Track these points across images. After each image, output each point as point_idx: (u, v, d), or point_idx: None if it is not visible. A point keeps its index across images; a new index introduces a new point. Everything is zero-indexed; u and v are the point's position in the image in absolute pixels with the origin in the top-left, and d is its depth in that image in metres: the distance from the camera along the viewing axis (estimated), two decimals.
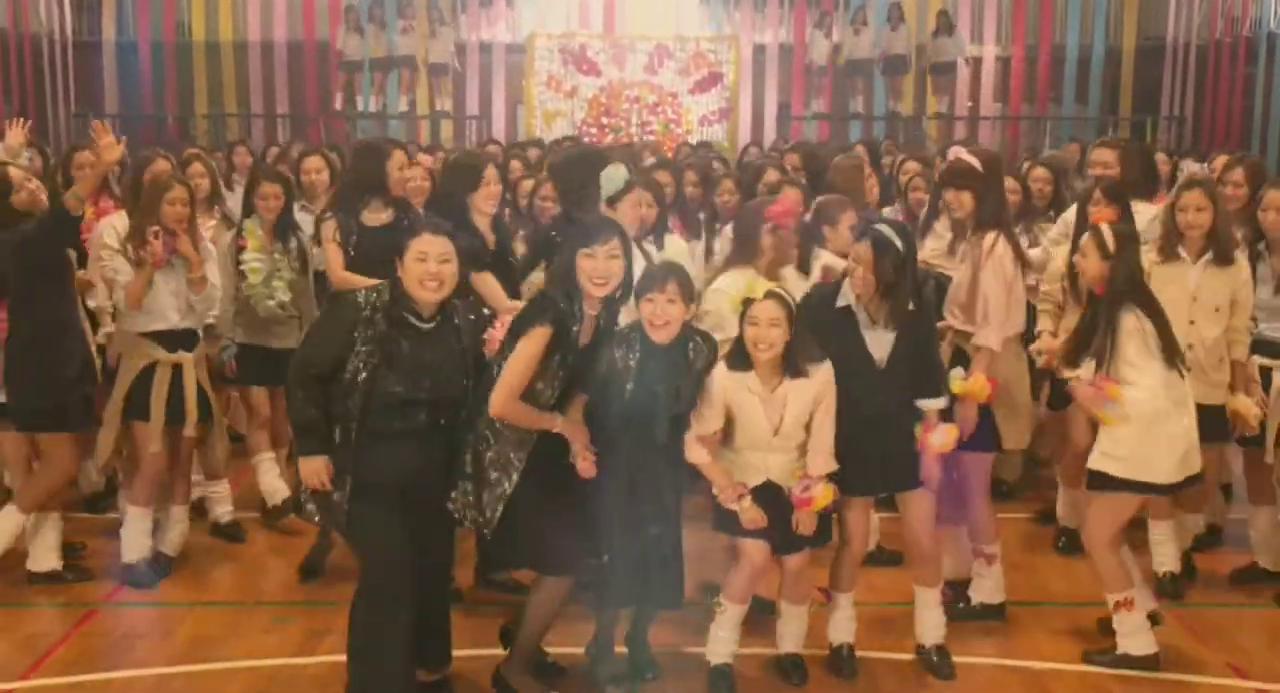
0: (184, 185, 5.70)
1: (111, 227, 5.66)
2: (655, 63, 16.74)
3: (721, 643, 4.80)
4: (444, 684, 4.67)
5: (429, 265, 4.49)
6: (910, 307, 4.75)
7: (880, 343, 4.78)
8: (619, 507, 4.62)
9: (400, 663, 4.36)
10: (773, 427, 4.62)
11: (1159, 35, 17.10)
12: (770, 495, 4.68)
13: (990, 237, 5.07)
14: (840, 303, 4.82)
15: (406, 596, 4.40)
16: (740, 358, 4.65)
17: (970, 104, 17.18)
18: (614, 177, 5.45)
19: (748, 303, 4.62)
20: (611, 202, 5.43)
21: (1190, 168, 6.89)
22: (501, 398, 4.44)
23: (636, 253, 5.01)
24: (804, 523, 4.62)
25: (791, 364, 4.63)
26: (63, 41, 16.82)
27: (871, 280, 4.66)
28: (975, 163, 5.26)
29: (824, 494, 4.58)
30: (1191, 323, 5.35)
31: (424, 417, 4.53)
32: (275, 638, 5.09)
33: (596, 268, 4.51)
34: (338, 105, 17.08)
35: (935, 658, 4.92)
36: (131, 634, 5.21)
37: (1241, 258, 5.47)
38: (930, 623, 4.97)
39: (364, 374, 4.48)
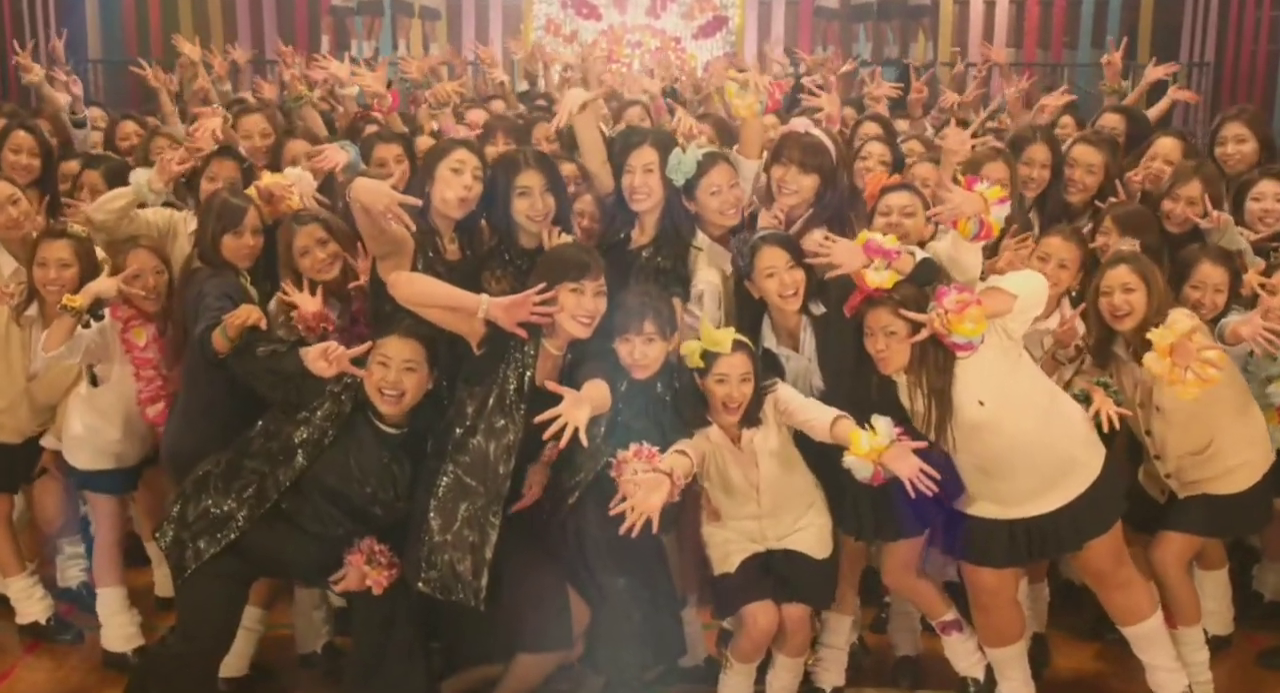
0: (309, 221, 4.93)
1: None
2: (658, 6, 16.14)
3: (733, 688, 4.60)
4: None
5: (389, 373, 4.14)
6: (815, 312, 4.49)
7: (807, 370, 4.51)
8: (602, 569, 4.28)
9: None
10: (753, 485, 4.26)
11: None
12: (770, 560, 4.44)
13: None
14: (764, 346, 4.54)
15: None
16: (696, 414, 4.26)
17: (984, 51, 16.61)
18: (682, 162, 4.76)
19: (709, 356, 4.22)
20: (689, 191, 4.79)
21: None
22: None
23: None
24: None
25: (752, 414, 4.27)
26: None
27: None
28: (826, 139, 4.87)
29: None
30: None
31: (343, 529, 4.22)
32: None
33: (583, 304, 4.11)
34: (324, 49, 16.48)
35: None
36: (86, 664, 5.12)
37: None
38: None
39: (306, 450, 4.14)
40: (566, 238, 4.66)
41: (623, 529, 3.82)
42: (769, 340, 4.58)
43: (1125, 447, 4.96)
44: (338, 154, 5.55)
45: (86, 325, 4.83)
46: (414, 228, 4.38)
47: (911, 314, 4.20)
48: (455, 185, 4.56)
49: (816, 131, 4.93)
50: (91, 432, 5.13)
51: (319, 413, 4.23)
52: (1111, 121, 6.72)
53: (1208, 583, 5.12)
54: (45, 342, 4.80)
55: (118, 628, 5.22)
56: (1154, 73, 7.84)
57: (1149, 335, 4.38)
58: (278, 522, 4.24)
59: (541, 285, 4.12)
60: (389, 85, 9.04)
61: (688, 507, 4.49)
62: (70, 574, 5.83)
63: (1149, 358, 4.35)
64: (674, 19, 16.15)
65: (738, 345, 4.31)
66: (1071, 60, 16.56)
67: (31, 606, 5.43)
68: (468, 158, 4.61)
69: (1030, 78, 10.08)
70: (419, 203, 4.50)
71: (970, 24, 16.53)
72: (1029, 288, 4.29)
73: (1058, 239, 4.93)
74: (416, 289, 4.18)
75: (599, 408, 4.02)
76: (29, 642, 5.41)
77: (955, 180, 4.38)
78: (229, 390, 4.67)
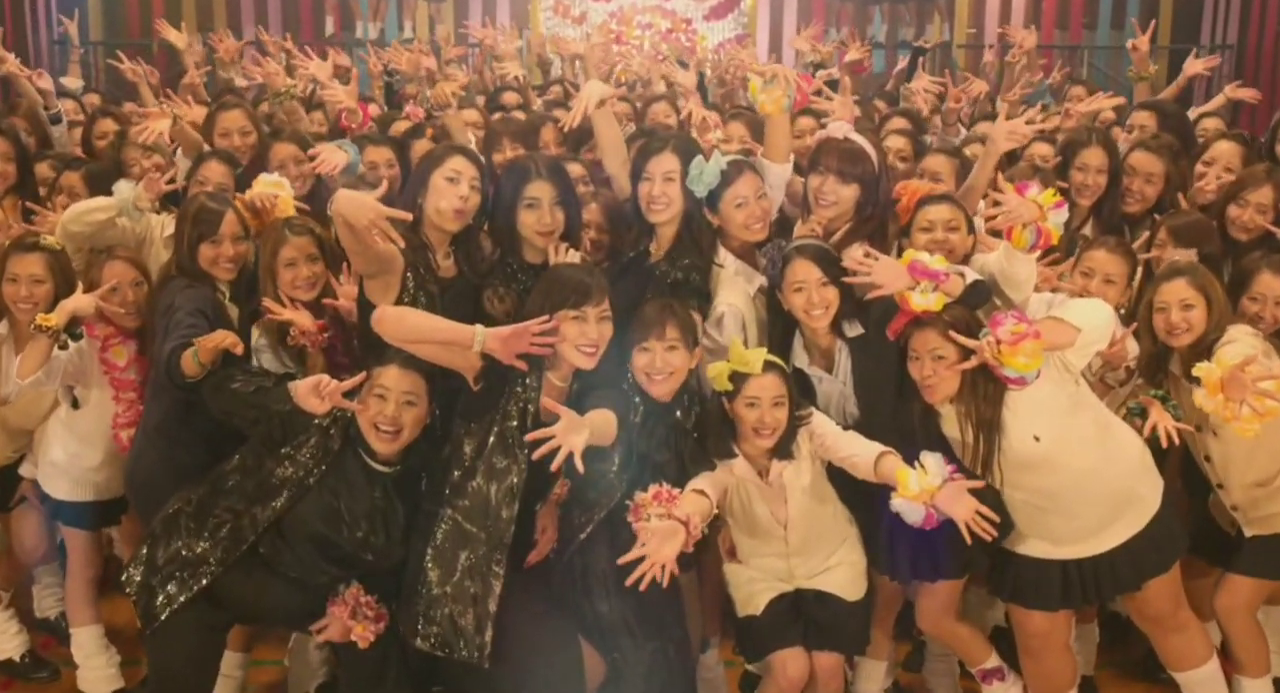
0: (304, 232, 4.56)
1: None
2: None
3: None
4: None
5: (387, 406, 3.79)
6: (851, 332, 4.19)
7: (841, 395, 4.19)
8: (607, 607, 3.95)
9: None
10: (780, 523, 3.94)
11: None
12: (799, 602, 4.12)
13: None
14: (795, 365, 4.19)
15: None
16: (722, 443, 3.93)
17: (1001, 31, 16.30)
18: (704, 172, 4.36)
19: (738, 378, 3.90)
20: (712, 203, 4.43)
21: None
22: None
23: None
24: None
25: (785, 446, 3.95)
26: None
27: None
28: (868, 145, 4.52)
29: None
30: None
31: (327, 576, 3.88)
32: None
33: (586, 333, 3.78)
34: (329, 32, 16.17)
35: None
36: None
37: None
38: None
39: (289, 490, 3.81)
40: (574, 255, 4.30)
41: (630, 580, 3.48)
42: (800, 359, 4.26)
43: (1180, 472, 4.60)
44: (335, 155, 5.18)
45: (64, 347, 4.45)
46: (402, 244, 3.98)
47: (962, 339, 3.87)
48: (450, 196, 4.17)
49: (857, 137, 4.57)
50: (72, 458, 4.76)
51: (304, 449, 3.88)
52: (1142, 119, 6.31)
53: (1268, 620, 4.74)
54: (20, 368, 4.43)
55: (94, 670, 4.88)
56: (1192, 67, 7.43)
57: (1195, 371, 4.03)
58: (255, 566, 3.91)
59: (544, 318, 3.80)
60: (392, 75, 8.73)
61: (710, 542, 4.18)
62: (47, 604, 5.47)
63: (1199, 395, 4.00)
64: None
65: (769, 366, 3.98)
66: (1090, 42, 16.24)
67: (5, 641, 5.09)
68: (465, 166, 4.22)
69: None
70: (409, 218, 4.08)
71: (987, 4, 16.20)
72: (1094, 321, 3.96)
73: (1103, 252, 4.58)
74: (405, 325, 3.79)
75: (599, 436, 3.61)
76: (3, 680, 5.09)
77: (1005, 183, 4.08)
78: (186, 409, 4.30)
